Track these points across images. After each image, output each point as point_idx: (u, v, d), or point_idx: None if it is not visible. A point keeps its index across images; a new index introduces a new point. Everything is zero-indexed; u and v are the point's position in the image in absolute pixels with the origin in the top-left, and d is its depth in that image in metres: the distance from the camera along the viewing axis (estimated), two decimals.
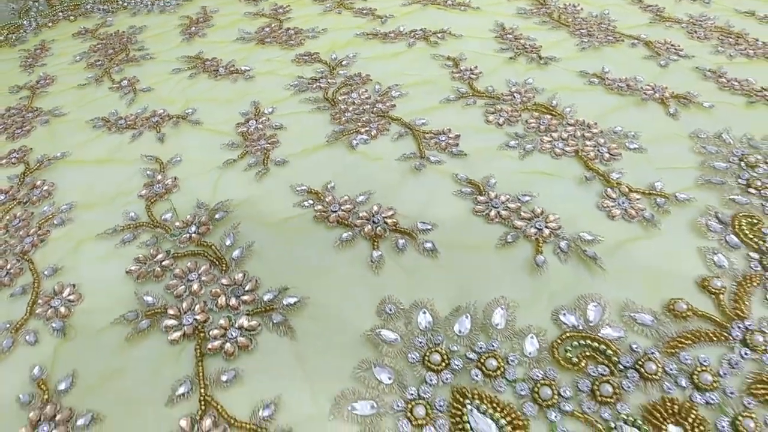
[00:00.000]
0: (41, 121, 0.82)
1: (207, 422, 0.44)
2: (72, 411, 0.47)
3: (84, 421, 0.46)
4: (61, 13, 1.21)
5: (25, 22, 1.17)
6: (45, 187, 0.69)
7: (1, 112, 0.86)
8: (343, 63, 0.88)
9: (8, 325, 0.54)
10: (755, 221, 0.59)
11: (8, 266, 0.60)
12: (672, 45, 0.88)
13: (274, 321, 0.51)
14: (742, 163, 0.66)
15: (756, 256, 0.55)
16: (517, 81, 0.80)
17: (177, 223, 0.61)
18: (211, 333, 0.50)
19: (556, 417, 0.43)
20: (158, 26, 1.08)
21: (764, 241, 0.56)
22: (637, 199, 0.60)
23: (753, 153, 0.67)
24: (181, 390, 0.46)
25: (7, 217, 0.67)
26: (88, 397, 0.48)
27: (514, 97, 0.77)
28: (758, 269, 0.53)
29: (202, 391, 0.46)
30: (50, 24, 1.17)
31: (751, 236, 0.57)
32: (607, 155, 0.66)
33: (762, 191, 0.62)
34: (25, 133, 0.80)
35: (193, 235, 0.60)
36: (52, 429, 0.45)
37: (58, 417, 0.46)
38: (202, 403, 0.46)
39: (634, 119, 0.72)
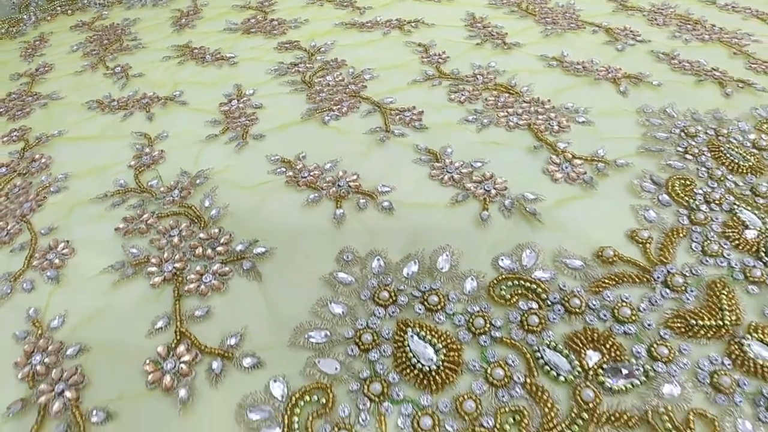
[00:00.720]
0: (40, 104, 0.90)
1: (181, 348, 0.51)
2: (62, 344, 0.54)
3: (73, 350, 0.53)
4: (59, 8, 1.30)
5: (24, 16, 1.26)
6: (43, 160, 0.77)
7: (3, 96, 0.95)
8: (322, 50, 0.96)
9: (7, 276, 0.61)
10: (688, 182, 0.65)
11: (8, 227, 0.68)
12: (631, 31, 0.96)
13: (245, 267, 0.58)
14: (683, 134, 0.73)
15: (685, 212, 0.62)
16: (481, 64, 0.88)
17: (162, 189, 0.69)
18: (188, 278, 0.58)
19: (486, 342, 0.50)
20: (151, 18, 1.17)
21: (694, 200, 0.63)
22: (579, 165, 0.67)
23: (695, 125, 0.74)
24: (160, 324, 0.54)
25: (8, 187, 0.75)
26: (77, 331, 0.55)
27: (477, 78, 0.84)
28: (686, 223, 0.60)
29: (178, 324, 0.53)
30: (49, 18, 1.26)
31: (683, 195, 0.64)
32: (556, 127, 0.73)
33: (698, 157, 0.69)
34: (25, 114, 0.89)
35: (176, 198, 0.68)
36: (44, 358, 0.53)
37: (49, 348, 0.53)
38: (177, 334, 0.53)
39: (587, 97, 0.80)
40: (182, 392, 0.48)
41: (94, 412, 0.48)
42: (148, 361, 0.51)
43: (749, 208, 0.62)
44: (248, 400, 0.47)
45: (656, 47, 0.91)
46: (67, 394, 0.49)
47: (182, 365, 0.50)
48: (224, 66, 0.94)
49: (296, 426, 0.45)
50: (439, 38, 0.97)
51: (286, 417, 0.46)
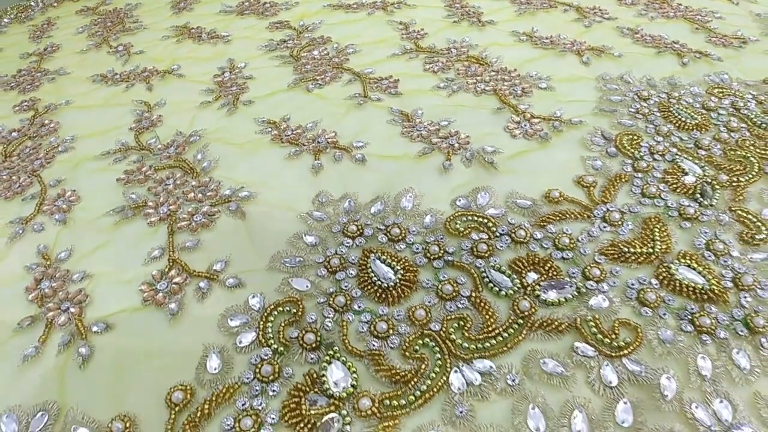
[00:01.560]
0: (48, 79, 0.99)
1: (172, 272, 0.59)
2: (68, 271, 0.62)
3: (77, 276, 0.61)
4: None
5: (32, 2, 1.36)
6: (51, 125, 0.86)
7: (14, 73, 1.04)
8: (309, 28, 1.04)
9: (19, 219, 0.70)
10: (635, 137, 0.73)
11: (20, 180, 0.76)
12: (600, 9, 1.04)
13: (231, 209, 0.66)
14: (636, 97, 0.80)
15: (629, 162, 0.69)
16: (456, 39, 0.96)
17: (159, 146, 0.78)
18: (180, 217, 0.66)
19: (439, 265, 0.57)
20: (151, 3, 1.26)
21: (639, 152, 0.70)
22: (537, 123, 0.75)
23: (648, 90, 0.82)
24: (155, 254, 0.62)
25: (19, 148, 0.83)
26: (82, 262, 0.63)
27: (451, 51, 0.92)
28: (629, 170, 0.68)
29: (171, 253, 0.62)
30: (55, 4, 1.36)
31: (629, 148, 0.71)
32: (519, 92, 0.81)
33: (648, 117, 0.77)
34: (35, 88, 0.98)
35: (171, 153, 0.76)
36: (52, 283, 0.61)
37: (57, 275, 0.62)
38: (170, 261, 0.61)
39: (551, 67, 0.88)
40: (172, 306, 0.56)
41: (95, 324, 0.56)
42: (143, 283, 0.59)
43: (690, 158, 0.70)
44: (229, 310, 0.55)
45: (622, 24, 0.99)
46: (72, 309, 0.58)
47: (173, 285, 0.58)
48: (219, 43, 1.03)
49: (270, 330, 0.53)
50: (419, 17, 1.05)
51: (261, 323, 0.53)
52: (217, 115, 0.84)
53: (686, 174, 0.68)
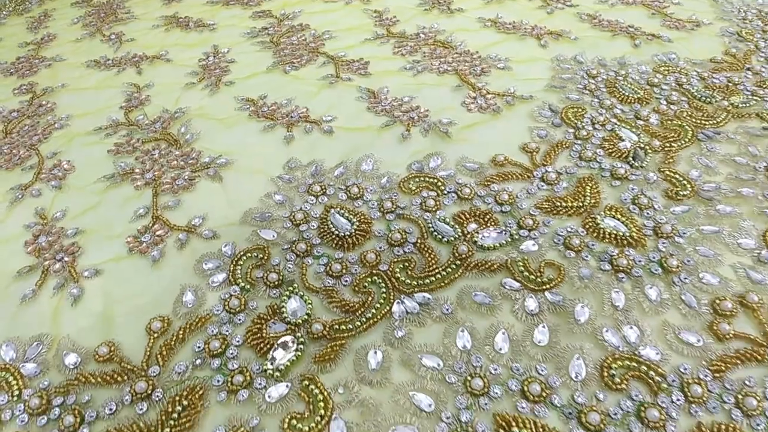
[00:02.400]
0: (45, 65, 1.09)
1: (155, 227, 0.68)
2: (63, 228, 0.71)
3: (71, 232, 0.70)
4: None
5: None
6: (48, 105, 0.95)
7: (13, 60, 1.13)
8: (290, 17, 1.13)
9: (19, 186, 0.79)
10: (580, 110, 0.81)
11: (20, 153, 0.85)
12: None
13: (209, 174, 0.75)
14: (585, 74, 0.88)
15: (572, 131, 0.77)
16: (426, 26, 1.05)
17: (146, 122, 0.86)
18: (164, 181, 0.74)
19: (391, 218, 0.65)
20: None
21: (582, 122, 0.78)
22: (492, 98, 0.83)
23: (599, 68, 0.90)
24: (140, 212, 0.71)
25: (19, 126, 0.92)
26: (75, 220, 0.72)
27: (419, 36, 1.01)
28: (570, 138, 0.76)
29: (154, 211, 0.70)
30: None
31: (573, 119, 0.80)
32: (479, 72, 0.90)
33: (595, 92, 0.85)
34: (33, 73, 1.07)
35: (157, 128, 0.85)
36: (48, 238, 0.69)
37: (52, 231, 0.70)
38: (153, 218, 0.69)
39: (511, 49, 0.96)
40: (155, 253, 0.65)
41: (86, 270, 0.65)
42: (129, 237, 0.68)
43: (628, 127, 0.78)
44: (204, 256, 0.64)
45: (582, 10, 1.07)
46: (65, 259, 0.66)
47: (156, 237, 0.67)
48: (205, 31, 1.12)
49: (239, 272, 0.61)
50: (393, 5, 1.14)
51: (231, 266, 0.62)
52: (201, 95, 0.93)
53: (622, 140, 0.76)
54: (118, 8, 1.28)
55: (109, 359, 0.56)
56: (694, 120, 0.80)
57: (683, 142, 0.76)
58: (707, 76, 0.89)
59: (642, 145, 0.75)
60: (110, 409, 0.52)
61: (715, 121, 0.80)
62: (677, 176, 0.70)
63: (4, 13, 1.35)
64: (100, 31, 1.18)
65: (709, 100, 0.84)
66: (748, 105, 0.83)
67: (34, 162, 0.84)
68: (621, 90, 0.85)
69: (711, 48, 0.97)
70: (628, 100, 0.84)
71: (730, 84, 0.87)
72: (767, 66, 0.92)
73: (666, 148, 0.75)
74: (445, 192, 0.69)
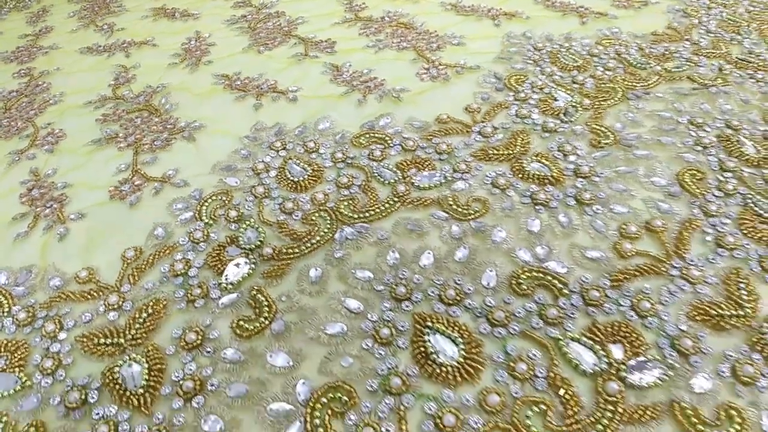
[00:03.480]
0: (42, 52, 1.21)
1: (134, 179, 0.78)
2: (53, 182, 0.81)
3: (60, 185, 0.81)
4: None
5: None
6: (44, 85, 1.07)
7: (13, 49, 1.26)
8: (267, 5, 1.25)
9: (16, 151, 0.90)
10: (522, 77, 0.91)
11: (18, 125, 0.97)
12: None
13: (184, 135, 0.85)
14: (531, 48, 0.98)
15: (512, 94, 0.87)
16: (392, 11, 1.15)
17: (131, 96, 0.97)
18: (143, 143, 0.85)
19: (341, 167, 0.75)
20: None
21: (522, 87, 0.88)
22: (443, 69, 0.93)
23: (545, 43, 1.00)
24: (121, 168, 0.81)
25: (18, 103, 1.04)
26: (64, 177, 0.83)
27: (384, 19, 1.12)
28: (510, 100, 0.85)
29: (134, 167, 0.81)
30: None
31: (515, 84, 0.89)
32: (435, 47, 1.00)
33: (538, 63, 0.95)
34: (31, 59, 1.20)
35: (141, 101, 0.96)
36: (40, 191, 0.80)
37: (44, 185, 0.81)
38: (133, 172, 0.80)
39: (468, 29, 1.07)
40: (132, 198, 0.75)
41: (72, 214, 0.75)
42: (111, 187, 0.78)
43: (563, 89, 0.87)
44: (175, 200, 0.74)
45: None
46: (54, 206, 0.77)
47: (134, 186, 0.77)
48: (189, 20, 1.24)
49: (204, 212, 0.71)
50: None
51: (198, 206, 0.72)
52: (182, 73, 1.04)
53: (556, 100, 0.85)
54: (111, 2, 1.41)
55: (88, 281, 0.66)
56: (626, 83, 0.89)
57: (612, 101, 0.86)
58: (646, 47, 0.99)
59: (574, 104, 0.84)
60: (86, 318, 0.62)
61: (646, 84, 0.89)
62: (602, 128, 0.80)
63: (4, 9, 1.49)
64: (94, 23, 1.31)
65: (644, 66, 0.93)
66: (681, 70, 0.92)
67: (30, 132, 0.95)
68: (562, 60, 0.95)
69: (655, 23, 1.06)
70: (568, 68, 0.94)
71: (667, 53, 0.97)
72: (707, 37, 1.02)
73: (596, 106, 0.84)
74: (391, 145, 0.79)
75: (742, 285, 0.59)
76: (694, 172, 0.73)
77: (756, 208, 0.67)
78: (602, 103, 0.85)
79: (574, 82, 0.90)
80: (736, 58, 0.94)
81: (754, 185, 0.71)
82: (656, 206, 0.68)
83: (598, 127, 0.80)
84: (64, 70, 1.14)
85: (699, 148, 0.76)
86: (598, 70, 0.93)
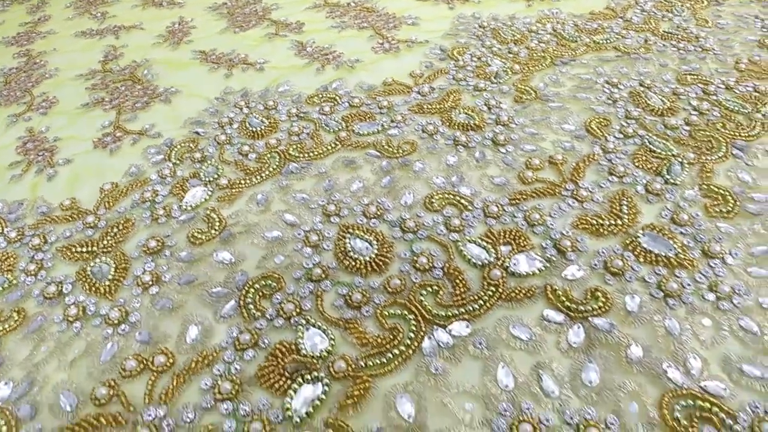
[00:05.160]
0: (40, 37, 1.38)
1: (116, 132, 0.92)
2: (46, 137, 0.96)
3: (51, 139, 0.94)
4: None
5: None
6: (41, 63, 1.23)
7: (14, 35, 1.42)
8: None
9: (13, 114, 1.05)
10: (464, 49, 1.04)
11: (16, 94, 1.12)
12: None
13: (162, 99, 0.99)
14: (477, 25, 1.12)
15: (453, 62, 1.00)
16: None
17: (117, 68, 1.12)
18: (125, 105, 0.99)
19: (294, 119, 0.88)
20: None
21: (463, 57, 1.01)
22: (395, 43, 1.07)
23: (489, 20, 1.13)
24: (105, 124, 0.95)
25: (17, 78, 1.19)
26: (55, 133, 0.97)
27: (350, 5, 1.27)
28: (451, 67, 0.98)
29: (116, 123, 0.95)
30: None
31: (456, 55, 1.02)
32: (391, 26, 1.14)
33: (481, 38, 1.08)
34: (30, 42, 1.36)
35: (126, 73, 1.10)
36: (33, 144, 0.94)
37: (37, 140, 0.95)
38: (115, 128, 0.93)
39: (423, 12, 1.22)
40: (112, 146, 0.89)
41: (60, 160, 0.88)
42: (95, 139, 0.92)
43: (499, 59, 1.01)
44: (150, 146, 0.87)
45: None
46: (46, 154, 0.91)
47: (115, 137, 0.91)
48: (175, 8, 1.41)
49: (173, 155, 0.84)
50: None
51: (168, 152, 0.85)
52: (164, 51, 1.19)
53: (490, 66, 0.98)
54: None
55: (70, 208, 0.79)
56: (555, 53, 1.02)
57: (540, 66, 0.99)
58: (581, 24, 1.12)
59: (505, 69, 0.98)
60: (67, 234, 0.75)
61: (573, 53, 1.02)
62: (526, 88, 0.93)
63: (6, 2, 1.67)
64: (88, 11, 1.48)
65: (575, 39, 1.07)
66: (608, 41, 1.05)
67: (27, 99, 1.11)
68: (502, 35, 1.09)
69: (595, 4, 1.20)
70: (506, 42, 1.07)
71: (599, 28, 1.10)
72: (640, 15, 1.15)
73: (524, 71, 0.97)
74: (340, 102, 0.93)
75: (625, 202, 0.71)
76: (601, 119, 0.86)
77: (651, 146, 0.80)
78: (531, 68, 0.99)
79: (509, 53, 1.04)
80: (663, 31, 1.09)
81: (653, 129, 0.83)
82: (561, 146, 0.81)
83: (523, 87, 0.93)
84: (59, 51, 1.30)
85: (610, 102, 0.89)
86: (533, 42, 1.07)
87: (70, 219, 0.78)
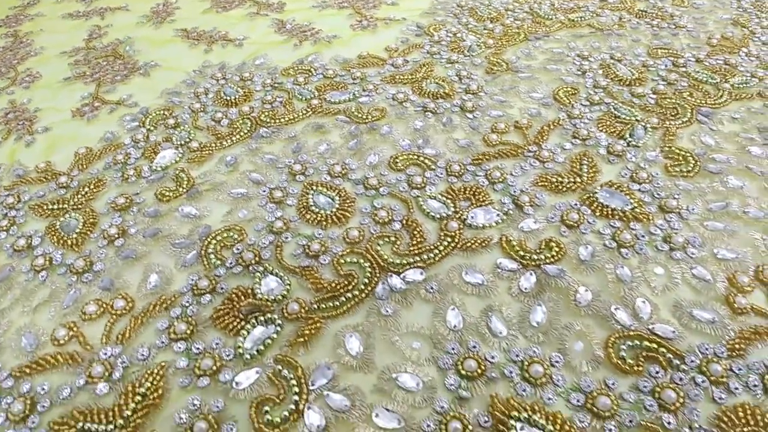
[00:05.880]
0: (28, 19, 1.40)
1: (95, 102, 0.94)
2: (28, 108, 0.97)
3: (32, 110, 0.96)
4: None
5: None
6: (28, 42, 1.25)
7: (3, 18, 1.45)
8: None
9: (4, 87, 1.07)
10: (441, 25, 1.07)
11: (1, 70, 1.14)
12: None
13: (141, 72, 1.01)
14: (456, 6, 1.14)
15: (428, 38, 1.02)
16: None
17: (101, 46, 1.15)
18: (105, 77, 1.01)
19: (269, 89, 0.90)
20: None
21: (438, 32, 1.03)
22: (374, 20, 1.09)
23: (467, 2, 1.15)
24: (85, 95, 0.97)
25: (3, 56, 1.22)
26: (38, 104, 0.99)
27: None
28: (426, 42, 1.00)
29: (96, 94, 0.96)
30: None
31: (432, 31, 1.04)
32: (371, 6, 1.16)
33: (458, 16, 1.11)
34: (18, 24, 1.38)
35: (108, 50, 1.13)
36: (15, 114, 0.96)
37: (19, 110, 0.97)
38: (94, 98, 0.95)
39: None
40: (90, 115, 0.91)
41: (39, 128, 0.91)
42: (73, 108, 0.94)
43: (473, 35, 1.02)
44: (127, 114, 0.89)
45: None
46: (26, 123, 0.93)
47: (93, 107, 0.93)
48: None
49: (148, 121, 0.86)
50: None
51: (142, 119, 0.87)
52: (148, 29, 1.22)
53: (464, 41, 1.00)
54: None
55: (45, 170, 0.81)
56: (528, 29, 1.04)
57: (514, 41, 1.01)
58: (557, 3, 1.14)
59: (478, 43, 1.00)
60: (40, 194, 0.76)
61: (548, 30, 1.04)
62: (499, 60, 0.95)
63: None
64: None
65: (550, 17, 1.08)
66: (583, 19, 1.07)
67: (12, 75, 1.13)
68: (480, 13, 1.11)
69: None
70: (482, 19, 1.09)
71: (575, 7, 1.12)
72: None
73: (496, 45, 0.99)
74: (314, 74, 0.95)
75: (585, 161, 0.73)
76: (569, 88, 0.87)
77: (616, 112, 0.82)
78: (505, 43, 1.01)
79: (485, 29, 1.06)
80: (638, 9, 1.10)
81: (620, 97, 0.85)
82: (528, 112, 0.83)
83: (495, 59, 0.95)
84: (46, 31, 1.33)
85: (579, 73, 0.91)
86: (509, 20, 1.09)
87: (44, 180, 0.80)
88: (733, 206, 0.67)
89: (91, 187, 0.77)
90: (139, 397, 0.51)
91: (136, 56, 1.12)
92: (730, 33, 1.03)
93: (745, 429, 0.48)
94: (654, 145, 0.77)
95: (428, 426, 0.47)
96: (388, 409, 0.49)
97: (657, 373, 0.51)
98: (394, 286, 0.59)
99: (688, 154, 0.74)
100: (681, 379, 0.51)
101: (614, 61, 0.94)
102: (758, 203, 0.67)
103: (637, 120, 0.80)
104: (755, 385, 0.51)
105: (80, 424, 0.50)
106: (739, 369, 0.51)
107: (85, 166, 0.81)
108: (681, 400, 0.49)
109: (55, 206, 0.74)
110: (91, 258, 0.66)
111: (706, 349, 0.53)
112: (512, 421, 0.47)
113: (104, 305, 0.60)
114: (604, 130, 0.79)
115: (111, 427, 0.50)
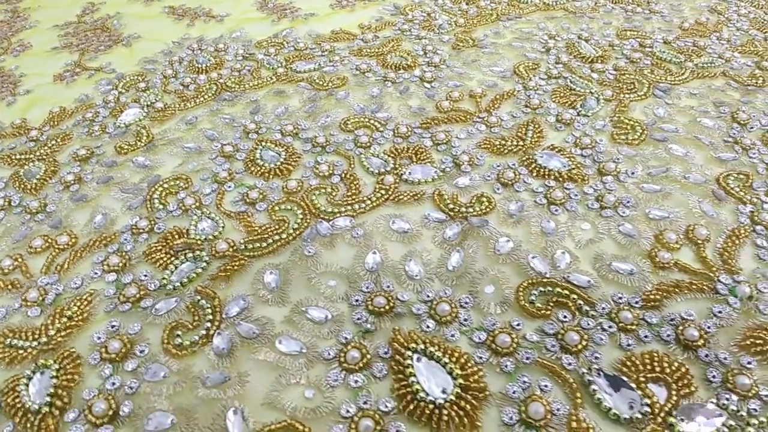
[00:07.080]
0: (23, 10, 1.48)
1: (76, 68, 0.98)
2: (13, 73, 1.03)
3: (18, 75, 1.02)
4: None
5: None
6: (24, 16, 1.32)
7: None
8: None
9: None
10: (415, 6, 1.09)
11: None
12: None
13: (123, 44, 1.06)
14: None
15: (402, 17, 1.04)
16: None
17: (91, 20, 1.21)
18: (90, 48, 1.06)
19: (245, 60, 0.93)
20: None
21: (413, 12, 1.06)
22: (353, 1, 1.12)
23: None
24: (68, 62, 1.02)
25: (1, 28, 1.29)
26: (23, 70, 1.04)
27: None
28: (400, 20, 1.03)
29: (78, 62, 1.01)
30: None
31: (407, 11, 1.07)
32: None
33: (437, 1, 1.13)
34: (19, 1, 1.46)
35: (98, 25, 1.18)
36: (1, 78, 1.01)
37: (6, 75, 1.02)
38: (77, 65, 1.00)
39: None
40: (69, 80, 0.96)
41: (23, 91, 0.96)
42: (56, 73, 0.99)
43: (447, 14, 1.05)
44: (103, 79, 0.94)
45: None
46: (9, 85, 0.98)
47: (74, 72, 0.98)
48: None
49: (121, 85, 0.91)
50: None
51: (116, 83, 0.91)
52: (138, 7, 1.27)
53: (436, 20, 1.03)
54: None
55: (20, 126, 0.86)
56: (504, 11, 1.06)
57: (486, 21, 1.02)
58: None
59: (449, 23, 1.02)
60: (11, 147, 0.81)
61: (520, 12, 1.06)
62: (467, 38, 0.96)
63: None
64: None
65: (526, 1, 1.10)
66: (557, 3, 1.09)
67: (4, 45, 1.20)
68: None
69: None
70: (458, 1, 1.11)
71: None
72: None
73: (467, 24, 1.01)
74: (286, 47, 0.98)
75: (531, 127, 0.74)
76: (530, 64, 0.89)
77: (571, 85, 0.83)
78: (476, 23, 1.03)
79: (459, 10, 1.08)
80: None
81: (579, 72, 0.86)
82: (485, 83, 0.84)
83: (463, 37, 0.97)
84: (43, 7, 1.40)
85: (543, 50, 0.92)
86: (484, 2, 1.11)
87: (17, 134, 0.85)
88: (675, 171, 0.68)
89: (58, 140, 0.81)
90: (65, 319, 0.55)
91: (122, 29, 1.17)
92: (705, 19, 1.03)
93: (649, 375, 0.49)
94: (605, 116, 0.78)
95: (328, 354, 0.49)
96: (293, 338, 0.51)
97: (565, 317, 0.52)
98: (321, 231, 0.61)
99: (637, 124, 0.75)
100: (588, 324, 0.52)
101: (581, 40, 0.96)
102: (702, 170, 0.68)
103: (590, 92, 0.82)
104: (668, 335, 0.52)
105: (8, 340, 0.53)
106: (652, 319, 0.52)
107: (56, 123, 0.86)
108: (584, 343, 0.50)
109: (23, 156, 0.79)
110: (45, 201, 0.70)
111: (620, 298, 0.54)
112: (409, 352, 0.48)
113: (49, 240, 0.64)
114: (556, 101, 0.80)
115: (35, 343, 0.53)
